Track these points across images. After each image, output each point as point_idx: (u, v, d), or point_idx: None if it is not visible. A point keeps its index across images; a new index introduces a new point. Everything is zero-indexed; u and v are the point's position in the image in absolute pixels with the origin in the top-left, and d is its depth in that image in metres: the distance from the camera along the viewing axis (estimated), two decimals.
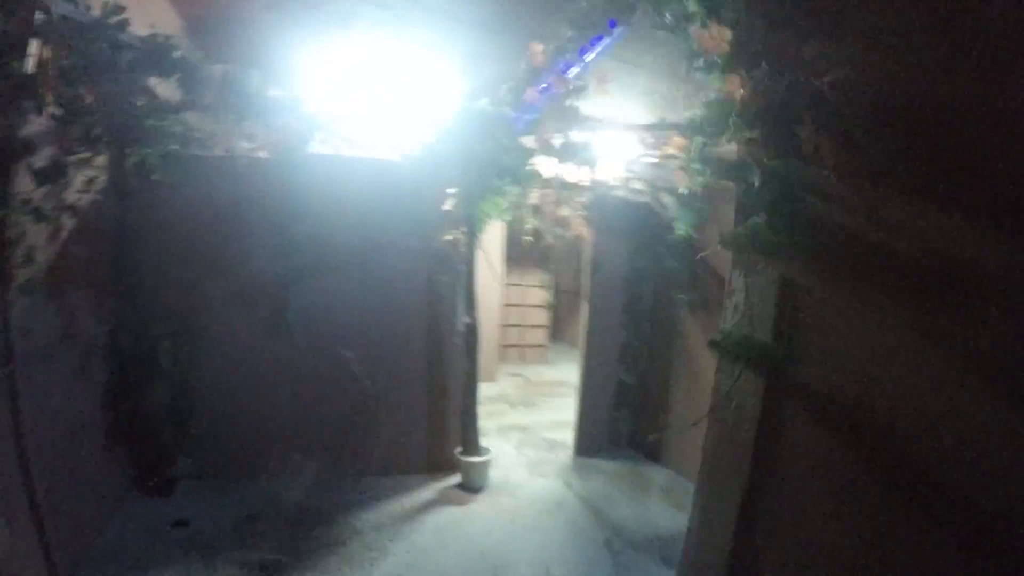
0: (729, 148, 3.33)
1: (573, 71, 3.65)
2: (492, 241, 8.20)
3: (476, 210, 5.20)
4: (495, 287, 9.22)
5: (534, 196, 6.12)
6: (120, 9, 3.13)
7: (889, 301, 1.90)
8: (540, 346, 11.40)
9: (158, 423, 4.75)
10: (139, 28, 3.47)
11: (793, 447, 2.19)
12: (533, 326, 11.26)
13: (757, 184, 2.30)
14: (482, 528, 4.91)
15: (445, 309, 5.82)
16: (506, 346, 10.83)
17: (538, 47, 3.75)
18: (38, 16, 2.89)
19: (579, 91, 3.75)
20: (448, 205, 5.41)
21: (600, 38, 3.49)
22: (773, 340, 2.24)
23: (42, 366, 3.70)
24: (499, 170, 4.60)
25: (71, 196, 3.88)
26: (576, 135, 4.28)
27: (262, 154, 4.77)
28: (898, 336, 1.87)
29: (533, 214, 6.09)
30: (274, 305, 5.19)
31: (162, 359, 4.67)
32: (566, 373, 10.55)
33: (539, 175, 4.90)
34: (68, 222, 3.91)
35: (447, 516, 5.08)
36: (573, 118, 3.85)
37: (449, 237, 5.58)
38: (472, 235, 5.43)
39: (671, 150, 5.57)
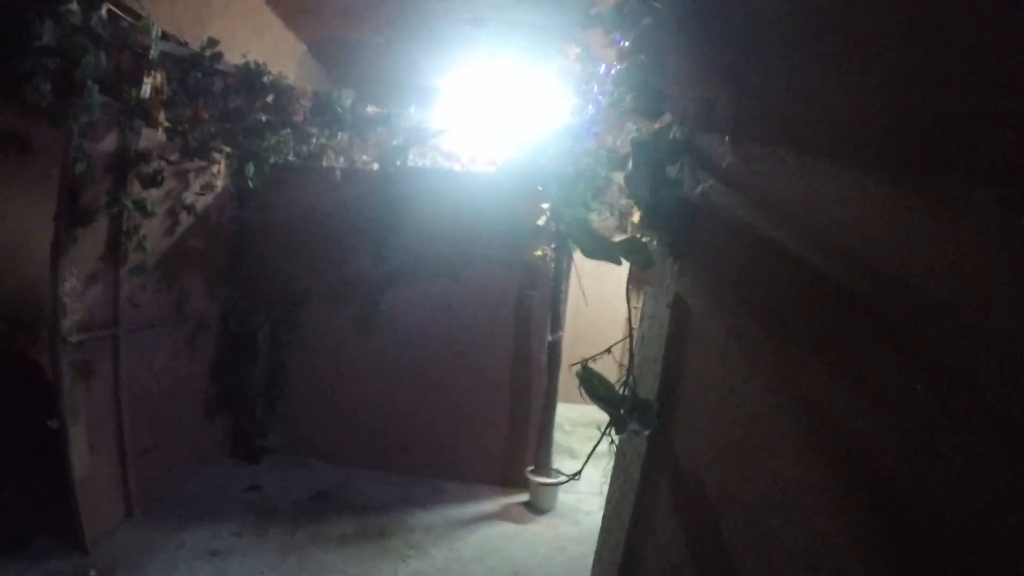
0: None
1: None
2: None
3: (566, 225, 5.24)
4: (623, 309, 9.05)
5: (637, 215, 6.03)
6: (214, 43, 3.66)
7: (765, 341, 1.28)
8: None
9: (254, 398, 5.37)
10: (258, 53, 4.03)
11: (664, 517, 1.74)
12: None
13: (629, 167, 1.85)
14: (528, 550, 4.89)
15: (534, 325, 5.91)
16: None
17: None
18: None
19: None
20: (541, 220, 5.51)
21: None
22: (660, 390, 1.82)
23: (151, 335, 4.37)
24: (586, 182, 4.61)
25: (189, 197, 4.56)
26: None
27: (366, 166, 5.24)
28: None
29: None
30: (366, 305, 5.62)
31: (261, 343, 5.27)
32: None
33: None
34: (186, 219, 4.59)
35: (498, 531, 5.13)
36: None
37: (539, 252, 5.67)
38: (561, 250, 5.47)
39: None
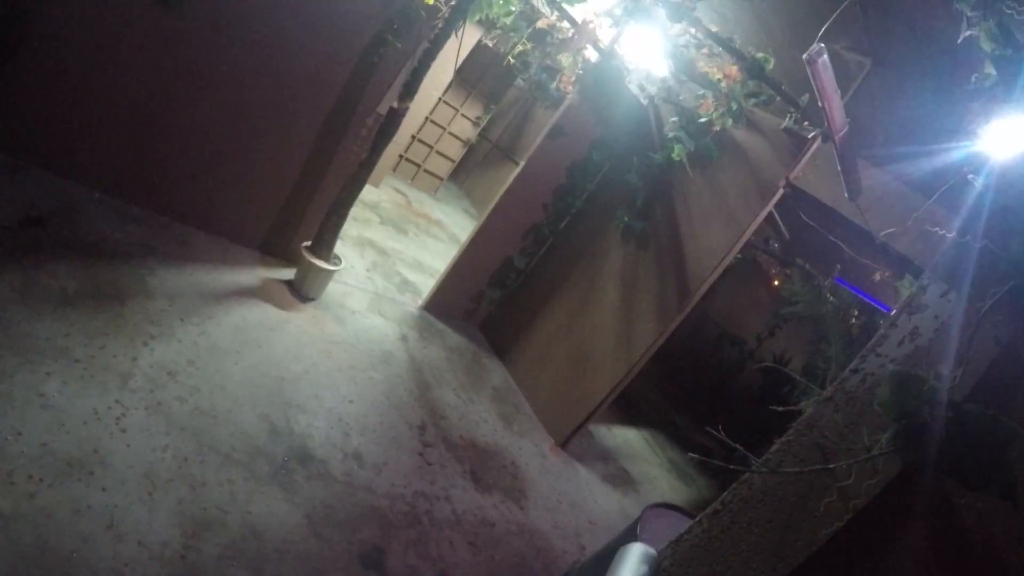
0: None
1: None
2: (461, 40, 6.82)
3: None
4: (434, 93, 7.91)
5: (543, 21, 4.94)
6: None
7: None
8: (437, 178, 10.31)
9: None
10: None
11: None
12: (441, 154, 10.09)
13: None
14: (292, 350, 4.14)
15: (376, 80, 4.64)
16: (404, 158, 9.64)
17: None
18: None
19: None
20: None
21: None
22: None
23: None
24: None
25: None
26: None
27: None
28: None
29: (530, 38, 4.93)
30: None
31: None
32: (448, 217, 9.74)
33: None
34: None
35: (260, 317, 4.24)
36: None
37: (431, 1, 4.31)
38: (460, 13, 4.19)
39: (717, 74, 4.68)
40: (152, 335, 3.42)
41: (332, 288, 5.07)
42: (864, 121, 3.80)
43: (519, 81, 6.32)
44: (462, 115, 9.83)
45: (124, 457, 2.63)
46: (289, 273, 4.91)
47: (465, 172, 11.71)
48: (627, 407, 7.03)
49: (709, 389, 9.73)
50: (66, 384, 2.74)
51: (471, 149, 10.63)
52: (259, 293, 4.49)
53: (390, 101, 4.60)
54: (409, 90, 4.49)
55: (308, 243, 4.84)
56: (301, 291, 4.80)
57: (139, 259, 3.90)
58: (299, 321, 4.51)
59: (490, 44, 6.76)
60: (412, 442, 4.08)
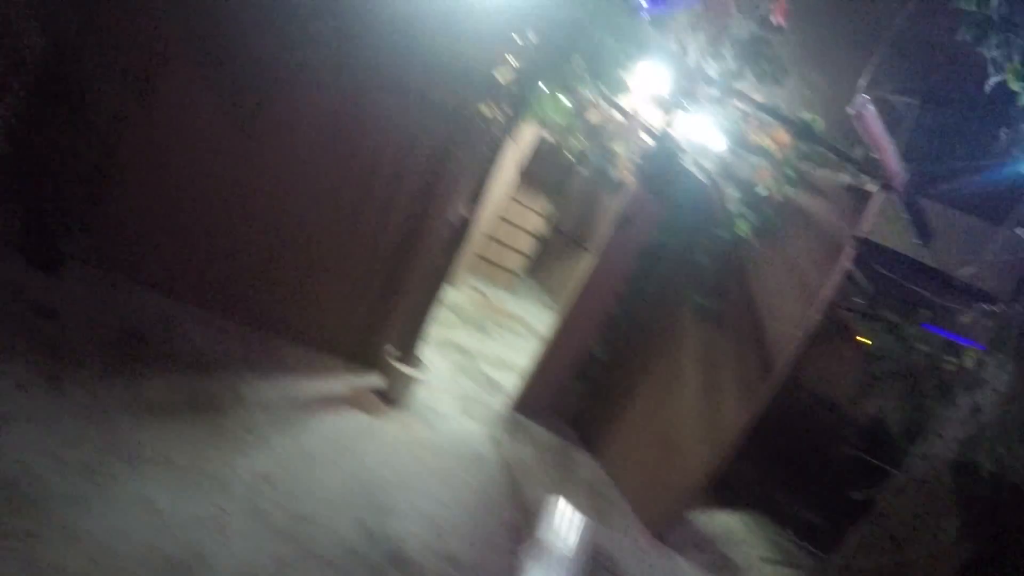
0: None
1: None
2: (522, 143, 7.15)
3: (533, 92, 4.15)
4: (503, 193, 8.21)
5: (595, 115, 5.12)
6: None
7: None
8: (514, 273, 10.51)
9: (67, 178, 3.69)
10: None
11: None
12: (515, 250, 10.33)
13: None
14: (383, 455, 4.11)
15: (445, 189, 4.84)
16: (481, 258, 9.92)
17: None
18: None
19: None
20: (502, 74, 4.34)
21: None
22: None
23: None
24: (589, 58, 3.56)
25: None
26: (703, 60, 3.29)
27: None
28: None
29: (585, 134, 5.10)
30: (254, 96, 4.08)
31: (96, 100, 3.57)
32: (527, 312, 9.79)
33: (625, 86, 3.87)
34: None
35: (350, 423, 4.26)
36: (721, 29, 2.82)
37: (487, 110, 4.54)
38: (516, 118, 4.38)
39: (768, 142, 4.68)
40: (249, 443, 3.48)
41: (419, 392, 5.09)
42: (923, 160, 3.67)
43: (584, 170, 6.49)
44: (532, 210, 10.11)
45: (226, 560, 2.61)
46: (376, 380, 4.96)
47: (540, 265, 11.87)
48: (724, 488, 6.56)
49: (807, 460, 9.03)
50: (169, 490, 2.79)
51: (544, 242, 10.83)
52: (349, 400, 4.54)
53: (459, 209, 4.77)
54: (476, 197, 4.66)
55: (393, 349, 4.92)
56: (389, 397, 4.82)
57: (234, 370, 4.04)
58: (389, 426, 4.51)
59: (551, 139, 7.01)
60: (506, 542, 3.90)
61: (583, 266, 5.84)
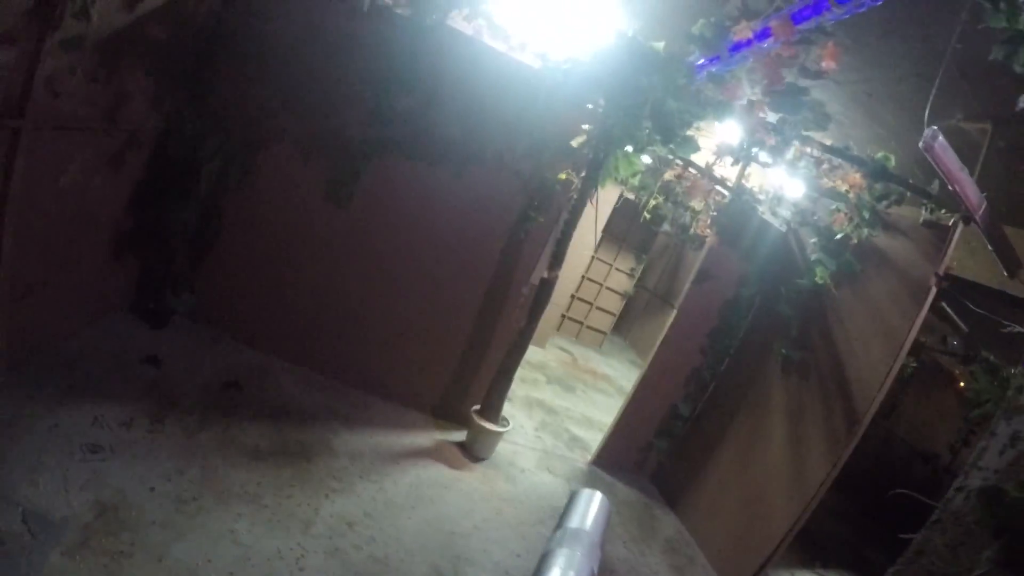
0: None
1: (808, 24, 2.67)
2: (601, 203, 7.34)
3: (608, 157, 4.35)
4: (585, 253, 8.39)
5: (669, 173, 5.24)
6: None
7: None
8: (600, 332, 10.54)
9: (177, 246, 4.25)
10: None
11: None
12: (602, 309, 10.41)
13: None
14: (463, 506, 4.24)
15: (527, 252, 5.07)
16: (567, 317, 10.06)
17: None
18: None
19: (805, 46, 2.78)
20: (576, 141, 4.59)
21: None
22: None
23: (66, 139, 3.20)
24: (656, 120, 3.73)
25: None
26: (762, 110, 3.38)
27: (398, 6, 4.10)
28: None
29: (662, 192, 5.22)
30: (343, 170, 4.53)
31: (204, 178, 4.12)
32: (614, 371, 9.74)
33: (695, 144, 3.99)
34: None
35: (433, 475, 4.44)
36: (776, 80, 2.90)
37: (563, 175, 4.79)
38: (592, 181, 4.59)
39: (843, 186, 4.61)
40: (334, 489, 3.72)
41: (502, 448, 5.21)
42: (1003, 187, 3.50)
43: (666, 226, 6.55)
44: (616, 269, 10.20)
45: None
46: (460, 435, 5.14)
47: (627, 323, 11.82)
48: (810, 545, 6.13)
49: (902, 515, 8.17)
50: (254, 525, 3.03)
51: (630, 300, 10.81)
52: (432, 454, 4.74)
53: (541, 271, 4.93)
54: (557, 259, 4.82)
55: (477, 407, 5.08)
56: (472, 451, 4.97)
57: (323, 421, 4.35)
58: (470, 480, 4.64)
59: (631, 197, 7.14)
60: None
61: (666, 322, 5.86)
